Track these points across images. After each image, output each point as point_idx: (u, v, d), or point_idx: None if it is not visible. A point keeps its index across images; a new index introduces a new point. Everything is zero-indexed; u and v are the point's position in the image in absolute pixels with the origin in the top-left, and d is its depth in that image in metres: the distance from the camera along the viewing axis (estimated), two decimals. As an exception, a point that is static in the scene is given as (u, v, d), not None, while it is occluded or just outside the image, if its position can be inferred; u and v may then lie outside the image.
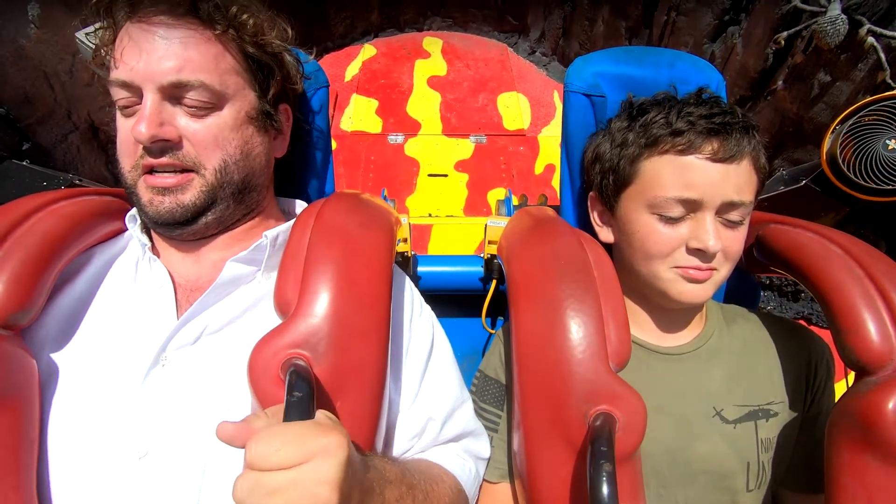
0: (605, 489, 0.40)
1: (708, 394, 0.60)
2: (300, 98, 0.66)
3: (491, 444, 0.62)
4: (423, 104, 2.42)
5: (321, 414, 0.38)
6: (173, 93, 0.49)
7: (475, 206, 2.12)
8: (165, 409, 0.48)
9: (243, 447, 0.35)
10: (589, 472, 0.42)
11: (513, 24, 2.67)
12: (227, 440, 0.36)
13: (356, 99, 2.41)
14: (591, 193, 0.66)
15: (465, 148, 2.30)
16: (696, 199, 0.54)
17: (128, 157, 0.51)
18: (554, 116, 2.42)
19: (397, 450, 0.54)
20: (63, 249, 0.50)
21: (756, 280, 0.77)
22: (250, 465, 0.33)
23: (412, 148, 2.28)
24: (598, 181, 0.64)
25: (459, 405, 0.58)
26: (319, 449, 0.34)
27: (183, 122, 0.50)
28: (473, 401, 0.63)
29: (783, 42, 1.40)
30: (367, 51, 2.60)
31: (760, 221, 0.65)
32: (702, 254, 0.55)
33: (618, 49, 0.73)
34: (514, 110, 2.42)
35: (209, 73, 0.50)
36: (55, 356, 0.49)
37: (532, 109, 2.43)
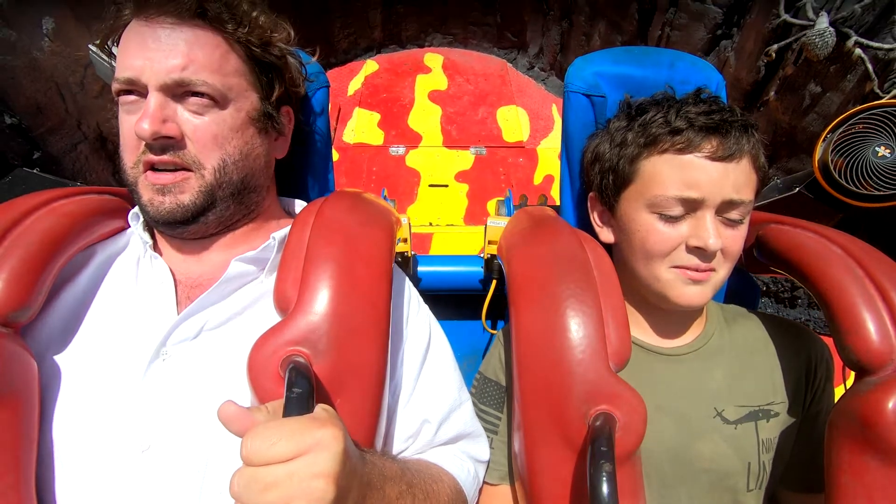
0: (605, 489, 0.40)
1: (709, 394, 0.60)
2: (302, 99, 0.67)
3: (490, 445, 0.61)
4: (424, 117, 2.46)
5: (318, 408, 0.38)
6: (177, 91, 0.49)
7: (475, 215, 2.13)
8: (167, 402, 0.48)
9: (238, 433, 0.35)
10: (589, 471, 0.42)
11: (512, 40, 2.74)
12: (225, 420, 0.35)
13: (359, 112, 2.46)
14: (590, 194, 0.67)
15: (465, 159, 2.33)
16: (696, 198, 0.54)
17: (130, 152, 0.52)
18: (552, 129, 2.46)
19: (393, 451, 0.54)
20: (63, 248, 0.50)
21: (756, 280, 0.77)
22: (246, 460, 0.33)
23: (413, 159, 2.31)
24: (597, 181, 0.64)
25: (457, 407, 0.58)
26: (314, 442, 0.33)
27: (185, 119, 0.50)
28: (473, 403, 0.63)
29: (774, 55, 1.44)
30: (370, 66, 2.66)
31: (760, 221, 0.65)
32: (701, 252, 0.55)
33: (618, 49, 0.73)
34: (513, 123, 2.46)
35: (213, 73, 0.50)
36: (58, 353, 0.49)
37: (531, 122, 2.47)
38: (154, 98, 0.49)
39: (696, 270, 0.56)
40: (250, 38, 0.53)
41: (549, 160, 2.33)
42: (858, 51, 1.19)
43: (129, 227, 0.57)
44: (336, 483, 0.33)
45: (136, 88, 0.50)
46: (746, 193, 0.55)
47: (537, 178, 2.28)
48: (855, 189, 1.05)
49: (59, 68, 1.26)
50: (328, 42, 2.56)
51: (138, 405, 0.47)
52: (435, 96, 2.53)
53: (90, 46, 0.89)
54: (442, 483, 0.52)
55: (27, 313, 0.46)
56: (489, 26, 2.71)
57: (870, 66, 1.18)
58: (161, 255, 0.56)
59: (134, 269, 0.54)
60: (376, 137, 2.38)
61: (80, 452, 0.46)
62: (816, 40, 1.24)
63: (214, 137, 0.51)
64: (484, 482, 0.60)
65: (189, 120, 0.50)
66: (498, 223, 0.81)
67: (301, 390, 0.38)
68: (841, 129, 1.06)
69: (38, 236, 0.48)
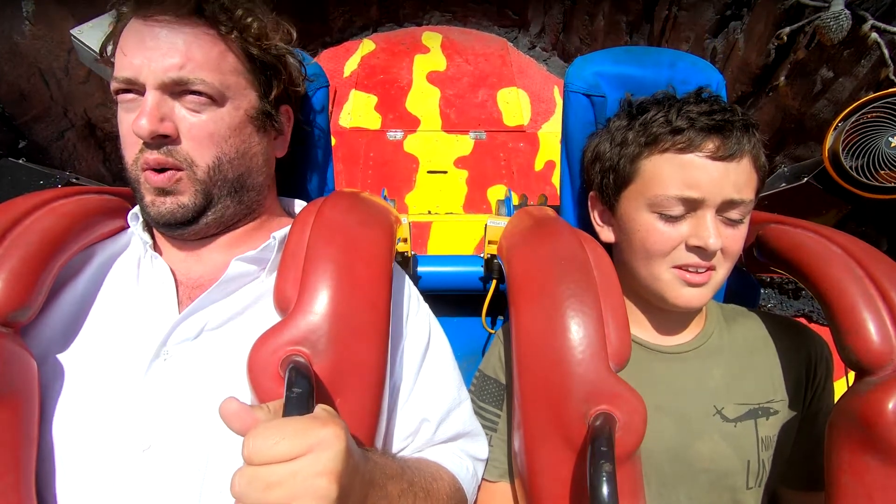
0: (605, 489, 0.41)
1: (708, 392, 0.60)
2: (301, 98, 0.66)
3: (490, 443, 0.62)
4: (423, 100, 2.40)
5: (319, 408, 0.38)
6: (174, 89, 0.50)
7: (475, 202, 2.11)
8: (168, 402, 0.48)
9: (239, 432, 0.35)
10: (589, 471, 0.42)
11: (513, 18, 2.65)
12: (226, 417, 0.35)
13: (355, 95, 2.40)
14: (591, 193, 0.66)
15: (464, 144, 2.29)
16: (696, 198, 0.54)
17: (129, 150, 0.52)
18: (554, 112, 2.41)
19: (392, 449, 0.54)
20: (62, 248, 0.50)
21: (756, 279, 0.77)
22: (248, 459, 0.33)
23: (411, 144, 2.27)
24: (598, 181, 0.64)
25: (456, 406, 0.58)
26: (317, 441, 0.34)
27: (181, 117, 0.50)
28: (472, 400, 0.63)
29: (785, 38, 1.39)
30: (366, 46, 2.58)
31: (760, 221, 0.65)
32: (702, 251, 0.55)
33: (618, 49, 0.73)
34: (513, 106, 2.41)
35: (211, 71, 0.50)
36: (59, 352, 0.49)
37: (532, 105, 2.42)
38: (151, 96, 0.49)
39: (696, 270, 0.56)
40: (248, 38, 0.53)
41: (550, 145, 2.30)
42: (874, 35, 1.15)
43: (129, 227, 0.57)
44: (339, 481, 0.34)
45: (134, 88, 0.50)
46: (747, 193, 0.55)
47: (538, 164, 2.24)
48: (866, 180, 1.03)
49: (42, 53, 1.21)
50: (323, 20, 2.48)
51: (139, 405, 0.48)
52: (433, 77, 2.46)
53: (72, 32, 0.86)
54: (442, 481, 0.52)
55: (27, 313, 0.46)
56: (489, 4, 2.61)
57: (886, 52, 1.14)
58: (161, 254, 0.55)
59: (135, 270, 0.54)
60: (373, 121, 2.33)
61: (81, 452, 0.47)
62: (831, 23, 1.19)
63: (210, 135, 0.51)
64: (483, 479, 0.61)
65: (186, 118, 0.50)
66: (498, 223, 0.82)
67: (301, 390, 0.38)
68: (853, 118, 1.03)
69: (37, 236, 0.48)
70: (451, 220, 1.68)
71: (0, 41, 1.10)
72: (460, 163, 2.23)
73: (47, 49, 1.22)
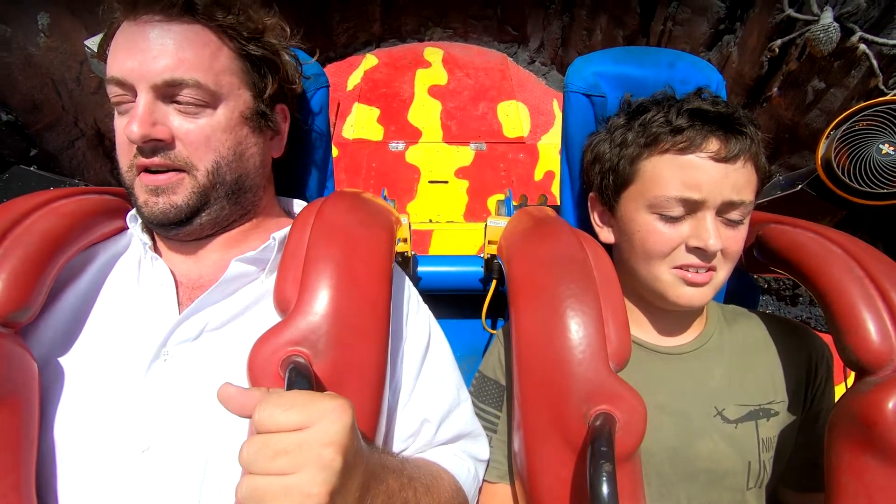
0: (605, 489, 0.40)
1: (709, 393, 0.60)
2: (300, 98, 0.66)
3: (490, 444, 0.61)
4: (424, 112, 2.44)
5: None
6: (167, 91, 0.49)
7: (475, 211, 2.13)
8: (168, 403, 0.48)
9: (238, 412, 0.35)
10: (589, 472, 0.42)
11: (512, 34, 2.72)
12: (225, 399, 0.36)
13: (358, 107, 2.44)
14: (591, 194, 0.66)
15: (465, 155, 2.32)
16: (696, 199, 0.54)
17: (124, 156, 0.52)
18: (553, 124, 2.45)
19: (393, 450, 0.54)
20: (63, 248, 0.50)
21: (756, 281, 0.77)
22: (257, 425, 0.33)
23: (413, 155, 2.30)
24: (597, 182, 0.64)
25: (456, 406, 0.58)
26: (326, 411, 0.34)
27: (176, 121, 0.50)
28: (472, 402, 0.63)
29: (777, 50, 1.43)
30: (369, 60, 2.64)
31: (760, 221, 0.65)
32: (702, 252, 0.55)
33: (618, 49, 0.73)
34: (513, 118, 2.45)
35: (204, 72, 0.49)
36: (60, 353, 0.49)
37: (531, 117, 2.46)
38: (143, 101, 0.48)
39: (697, 271, 0.56)
40: (240, 31, 0.52)
41: (549, 156, 2.33)
42: (863, 46, 1.18)
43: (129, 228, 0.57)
44: (344, 454, 0.34)
45: (126, 90, 0.50)
46: (747, 194, 0.55)
47: (538, 175, 2.27)
48: (858, 187, 1.04)
49: (55, 64, 1.25)
50: (327, 36, 2.54)
51: (139, 405, 0.48)
52: (435, 91, 2.52)
53: (86, 43, 0.89)
54: (442, 480, 0.52)
55: (27, 314, 0.46)
56: (489, 20, 2.68)
57: (874, 62, 1.17)
58: (161, 255, 0.56)
59: (135, 271, 0.54)
60: (376, 133, 2.37)
61: (81, 452, 0.46)
62: (820, 35, 1.23)
63: (207, 139, 0.51)
64: (483, 480, 0.61)
65: (180, 122, 0.50)
66: (498, 223, 0.81)
67: (301, 391, 0.38)
68: (845, 126, 1.05)
69: (37, 236, 0.48)
70: (451, 229, 1.69)
71: (15, 52, 1.13)
72: (461, 173, 2.25)
73: (60, 60, 1.26)
